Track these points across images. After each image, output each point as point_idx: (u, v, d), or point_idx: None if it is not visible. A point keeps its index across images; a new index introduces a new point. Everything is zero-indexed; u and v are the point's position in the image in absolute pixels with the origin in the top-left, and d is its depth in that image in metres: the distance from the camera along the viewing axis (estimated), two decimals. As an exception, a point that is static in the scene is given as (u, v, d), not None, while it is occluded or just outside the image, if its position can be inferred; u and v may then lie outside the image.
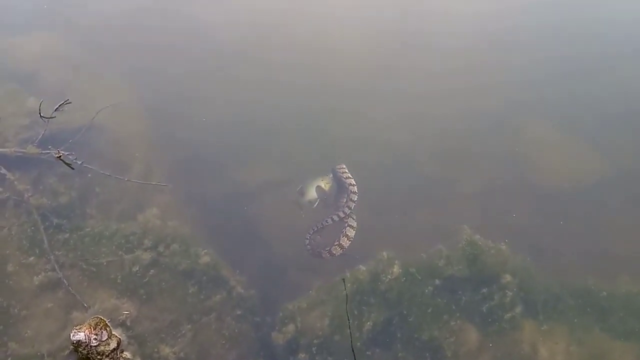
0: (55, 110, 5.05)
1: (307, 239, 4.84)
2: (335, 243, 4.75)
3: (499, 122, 5.90)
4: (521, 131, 5.81)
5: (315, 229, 4.91)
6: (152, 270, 4.17)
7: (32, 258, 4.10)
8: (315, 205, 5.06)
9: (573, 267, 4.64)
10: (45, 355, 3.64)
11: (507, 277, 4.20)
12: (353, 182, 5.01)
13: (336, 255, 4.70)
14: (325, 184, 5.13)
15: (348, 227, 4.84)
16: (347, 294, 4.14)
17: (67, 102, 5.12)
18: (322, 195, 5.09)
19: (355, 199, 4.92)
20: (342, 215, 4.90)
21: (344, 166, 5.15)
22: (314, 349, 3.99)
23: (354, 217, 4.92)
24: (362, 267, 4.30)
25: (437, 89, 6.19)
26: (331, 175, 5.18)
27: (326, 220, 4.92)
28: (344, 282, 4.22)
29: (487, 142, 5.71)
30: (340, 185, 5.12)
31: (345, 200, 4.96)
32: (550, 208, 5.08)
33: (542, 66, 6.63)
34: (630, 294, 4.25)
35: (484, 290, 4.19)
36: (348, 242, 4.77)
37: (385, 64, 6.55)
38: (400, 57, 6.69)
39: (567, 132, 5.81)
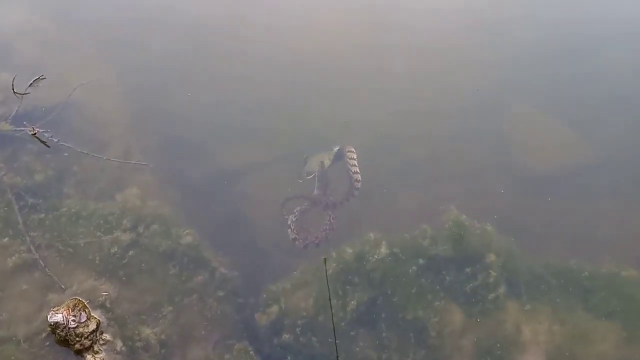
0: (30, 85, 4.87)
1: (291, 227, 4.68)
2: (327, 229, 4.68)
3: (483, 103, 5.87)
4: (505, 113, 5.77)
5: (298, 213, 4.80)
6: (131, 251, 4.07)
7: (6, 239, 3.97)
8: (309, 177, 4.96)
9: (556, 248, 4.65)
10: (22, 339, 3.54)
11: (492, 257, 4.18)
12: (358, 172, 4.86)
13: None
14: (327, 161, 5.02)
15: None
16: (327, 276, 4.08)
17: (42, 77, 4.93)
18: (320, 171, 4.99)
19: (356, 194, 4.81)
20: (342, 201, 4.81)
21: (354, 150, 4.99)
22: (298, 329, 3.94)
23: None
24: (349, 250, 4.25)
25: (421, 69, 6.12)
26: (336, 149, 5.07)
27: (326, 204, 4.82)
28: (325, 261, 4.17)
29: (471, 123, 5.67)
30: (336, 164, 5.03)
31: (348, 189, 4.86)
32: (534, 190, 5.07)
33: (527, 47, 6.59)
34: (612, 274, 4.26)
35: (468, 270, 4.18)
36: None
37: (367, 42, 6.43)
38: (383, 36, 6.58)
39: (551, 115, 5.79)
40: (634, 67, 6.49)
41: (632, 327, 3.96)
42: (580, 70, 6.32)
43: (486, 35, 6.72)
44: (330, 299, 3.98)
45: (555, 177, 5.15)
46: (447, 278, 4.16)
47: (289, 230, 4.67)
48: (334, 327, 3.80)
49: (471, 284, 4.13)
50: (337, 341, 3.88)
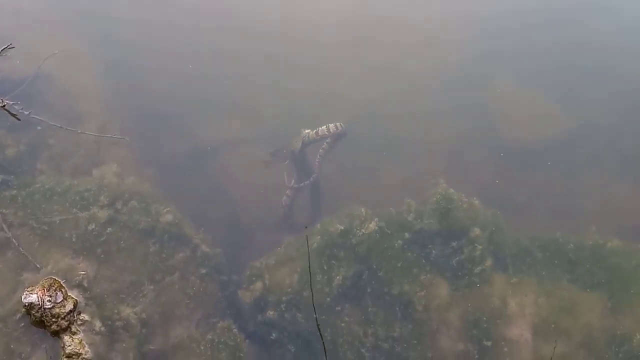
0: (-3, 56, 4.65)
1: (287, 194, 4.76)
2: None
3: (466, 76, 5.79)
4: (488, 86, 5.71)
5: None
6: (109, 229, 3.91)
7: (-25, 217, 3.79)
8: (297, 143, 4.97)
9: (541, 220, 4.65)
10: (-5, 320, 3.40)
11: (477, 231, 4.13)
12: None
13: None
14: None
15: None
16: (309, 247, 4.00)
17: (10, 46, 4.69)
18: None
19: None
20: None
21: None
22: (282, 305, 3.87)
23: None
24: (334, 224, 4.16)
25: (404, 43, 5.99)
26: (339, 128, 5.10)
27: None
28: (306, 228, 4.12)
29: (454, 97, 5.59)
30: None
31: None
32: (519, 163, 5.03)
33: (508, 20, 6.49)
34: (596, 246, 4.25)
35: (454, 244, 4.13)
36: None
37: (351, 16, 6.28)
38: (368, 9, 6.43)
39: (535, 87, 5.74)
40: (617, 36, 6.45)
41: (617, 298, 3.95)
42: (562, 41, 6.26)
43: (469, 8, 6.60)
44: (310, 271, 3.90)
45: (540, 149, 5.12)
46: (433, 252, 4.10)
47: (285, 196, 4.73)
48: (312, 300, 3.73)
49: (457, 258, 4.08)
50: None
